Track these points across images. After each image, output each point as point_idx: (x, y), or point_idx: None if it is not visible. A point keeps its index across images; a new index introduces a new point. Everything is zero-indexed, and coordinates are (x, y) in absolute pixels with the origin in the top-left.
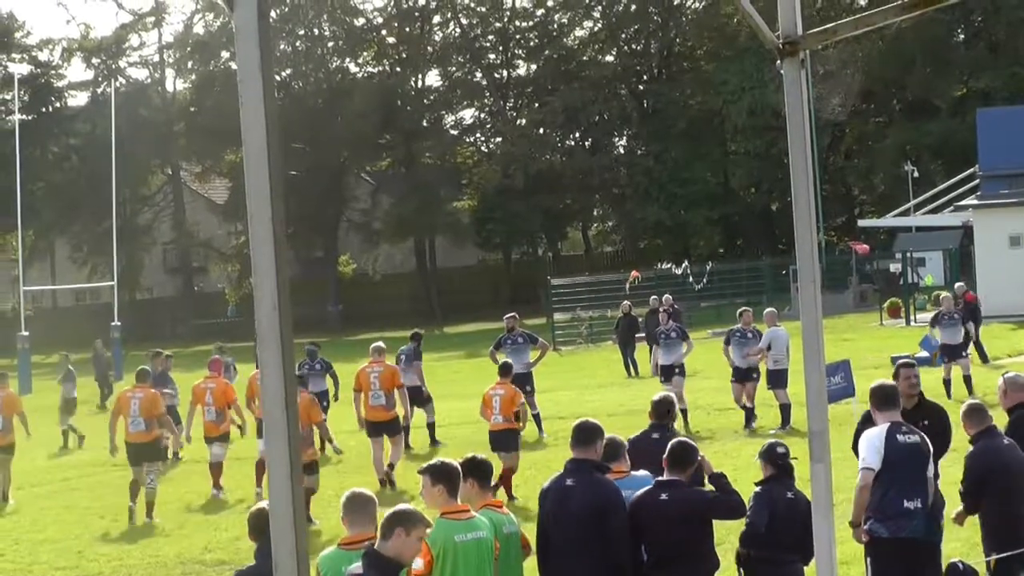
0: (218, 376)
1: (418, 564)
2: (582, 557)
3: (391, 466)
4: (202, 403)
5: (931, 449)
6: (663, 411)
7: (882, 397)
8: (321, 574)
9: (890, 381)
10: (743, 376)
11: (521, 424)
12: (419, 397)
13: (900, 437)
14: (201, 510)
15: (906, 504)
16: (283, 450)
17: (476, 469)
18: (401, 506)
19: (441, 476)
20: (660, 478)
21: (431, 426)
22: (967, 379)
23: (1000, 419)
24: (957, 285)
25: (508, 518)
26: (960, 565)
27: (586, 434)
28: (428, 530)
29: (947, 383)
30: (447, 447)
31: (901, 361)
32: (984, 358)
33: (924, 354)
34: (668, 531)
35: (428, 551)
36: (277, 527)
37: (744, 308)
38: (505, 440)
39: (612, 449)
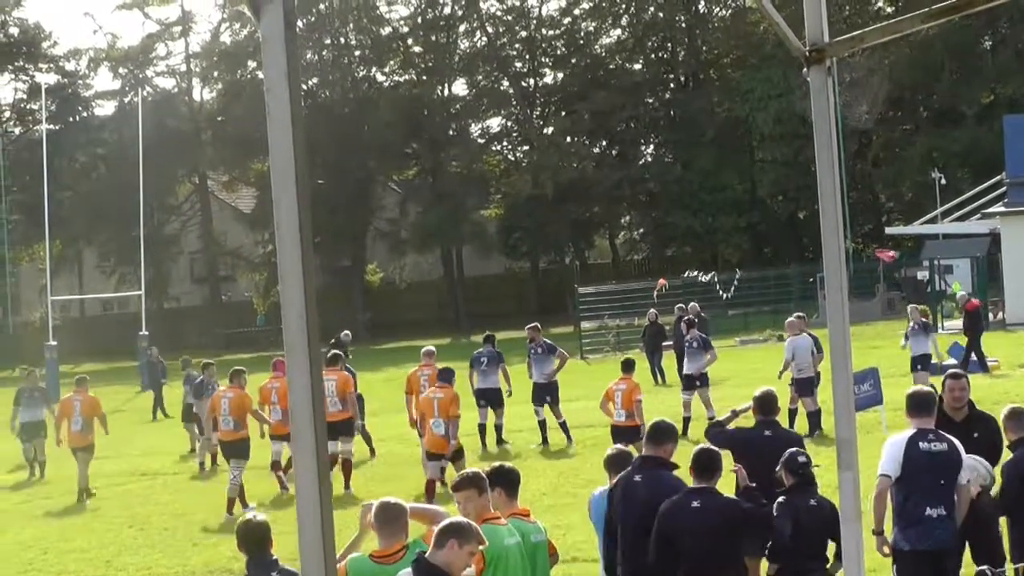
0: (283, 377)
1: (470, 572)
2: (646, 548)
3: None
4: (268, 403)
5: (962, 458)
6: (767, 406)
7: (914, 404)
8: None
9: (926, 388)
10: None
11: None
12: (497, 399)
13: (923, 444)
14: (226, 518)
15: (928, 511)
16: (311, 459)
17: (503, 478)
18: (457, 518)
19: (477, 482)
20: (692, 485)
21: (498, 428)
22: (816, 414)
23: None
24: (959, 295)
25: (535, 527)
26: (989, 572)
27: (659, 434)
28: (481, 547)
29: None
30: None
31: (948, 372)
32: (984, 367)
33: (952, 361)
34: (701, 539)
35: (481, 558)
36: (305, 537)
37: (797, 315)
38: (628, 435)
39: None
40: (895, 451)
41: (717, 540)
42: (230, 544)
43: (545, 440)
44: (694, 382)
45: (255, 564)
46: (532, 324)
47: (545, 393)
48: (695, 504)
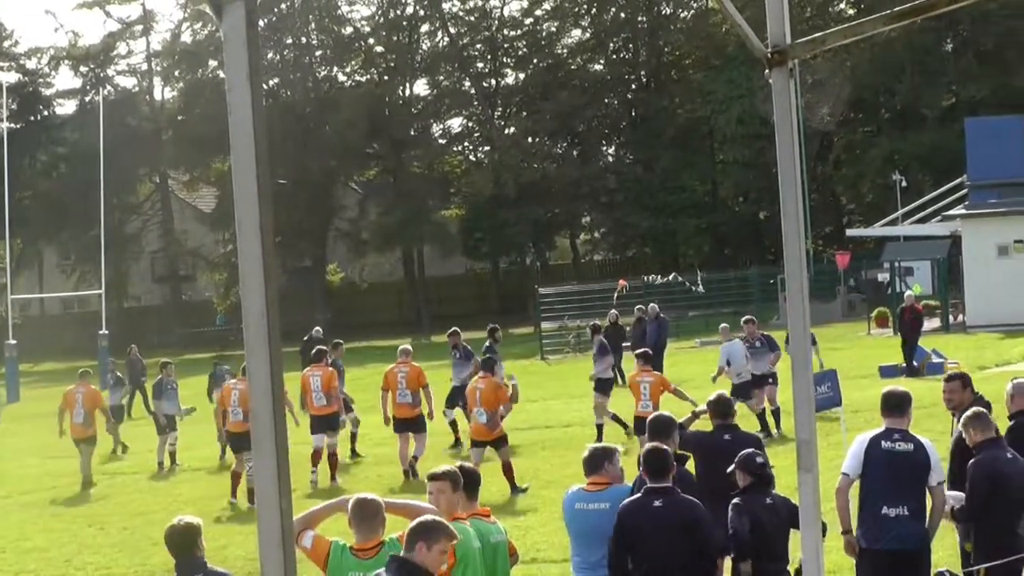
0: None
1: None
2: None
3: (415, 458)
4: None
5: (930, 460)
6: (724, 409)
7: (885, 403)
8: (329, 568)
9: (900, 388)
10: (759, 382)
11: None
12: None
13: (885, 444)
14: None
15: (885, 511)
16: (271, 460)
17: (465, 478)
18: (426, 518)
19: (453, 478)
20: (650, 485)
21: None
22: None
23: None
24: (907, 294)
25: (496, 527)
26: (948, 574)
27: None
28: (453, 542)
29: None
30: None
31: (947, 374)
32: (914, 370)
33: (937, 360)
34: (663, 540)
35: (452, 554)
36: (264, 537)
37: (748, 318)
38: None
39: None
40: (857, 449)
41: (678, 539)
42: None
43: (458, 442)
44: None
45: (182, 566)
46: (452, 330)
47: (459, 397)
48: (656, 504)
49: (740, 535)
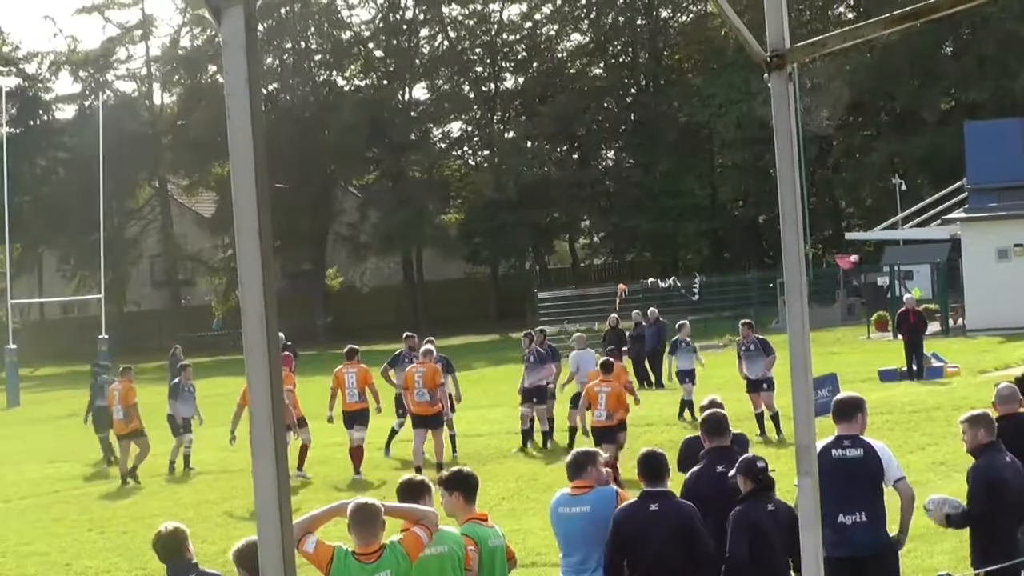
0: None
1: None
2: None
3: (439, 465)
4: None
5: (881, 463)
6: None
7: (836, 409)
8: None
9: (852, 394)
10: (755, 387)
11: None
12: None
13: (835, 452)
14: (187, 523)
15: (841, 518)
16: (271, 463)
17: (462, 482)
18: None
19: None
20: (646, 489)
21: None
22: (774, 418)
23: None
24: (907, 297)
25: (493, 531)
26: None
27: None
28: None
29: (759, 418)
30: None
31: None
32: (919, 374)
33: (937, 364)
34: (658, 543)
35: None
36: (264, 539)
37: (745, 321)
38: (609, 435)
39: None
40: None
41: (673, 543)
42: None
43: (388, 449)
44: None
45: (173, 569)
46: (408, 334)
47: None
48: (652, 508)
49: (737, 558)
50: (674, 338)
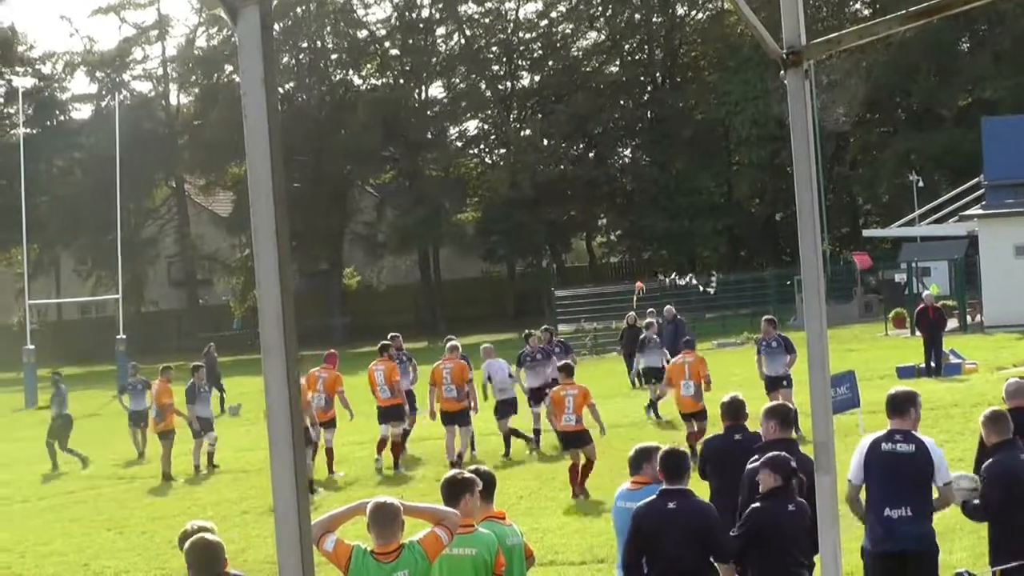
0: (332, 368)
1: None
2: None
3: (460, 455)
4: (313, 390)
5: (933, 460)
6: (735, 411)
7: (889, 403)
8: (350, 572)
9: (904, 389)
10: (774, 384)
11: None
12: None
13: (886, 445)
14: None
15: (888, 512)
16: (288, 462)
17: (480, 481)
18: (213, 540)
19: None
20: (665, 487)
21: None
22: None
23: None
24: (926, 294)
25: (511, 529)
26: (966, 575)
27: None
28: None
29: None
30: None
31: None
32: (938, 370)
33: (955, 361)
34: (674, 542)
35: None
36: (282, 538)
37: (768, 318)
38: (580, 438)
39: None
40: (858, 456)
41: (691, 542)
42: None
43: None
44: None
45: None
46: (393, 334)
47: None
48: (671, 506)
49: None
50: (641, 336)
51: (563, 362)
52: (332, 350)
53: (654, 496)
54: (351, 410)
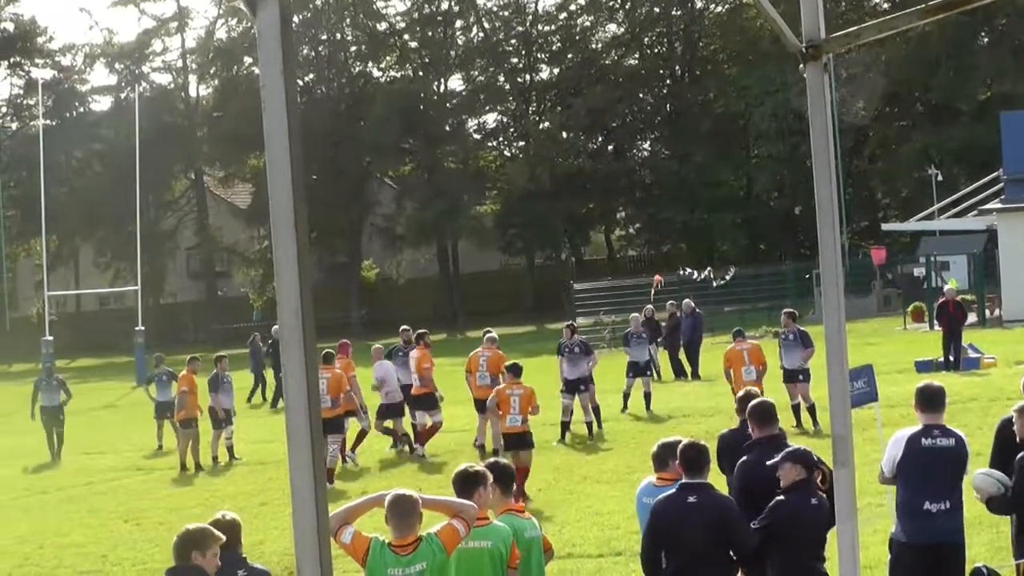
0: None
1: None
2: None
3: (486, 447)
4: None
5: (968, 453)
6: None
7: (922, 399)
8: (368, 564)
9: (934, 382)
10: (791, 377)
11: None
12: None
13: (926, 441)
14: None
15: (927, 506)
16: (306, 455)
17: (498, 474)
18: (191, 527)
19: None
20: (685, 480)
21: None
22: (810, 409)
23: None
24: (946, 288)
25: (530, 522)
26: (985, 570)
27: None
28: (218, 544)
29: (795, 409)
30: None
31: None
32: (956, 364)
33: (973, 355)
34: (693, 536)
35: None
36: (300, 531)
37: (788, 311)
38: (523, 440)
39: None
40: (894, 450)
41: (710, 536)
42: None
43: (408, 443)
44: (576, 387)
45: (225, 561)
46: (404, 328)
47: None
48: (691, 500)
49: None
50: (626, 330)
51: (511, 362)
52: (344, 340)
53: (673, 490)
54: (364, 405)
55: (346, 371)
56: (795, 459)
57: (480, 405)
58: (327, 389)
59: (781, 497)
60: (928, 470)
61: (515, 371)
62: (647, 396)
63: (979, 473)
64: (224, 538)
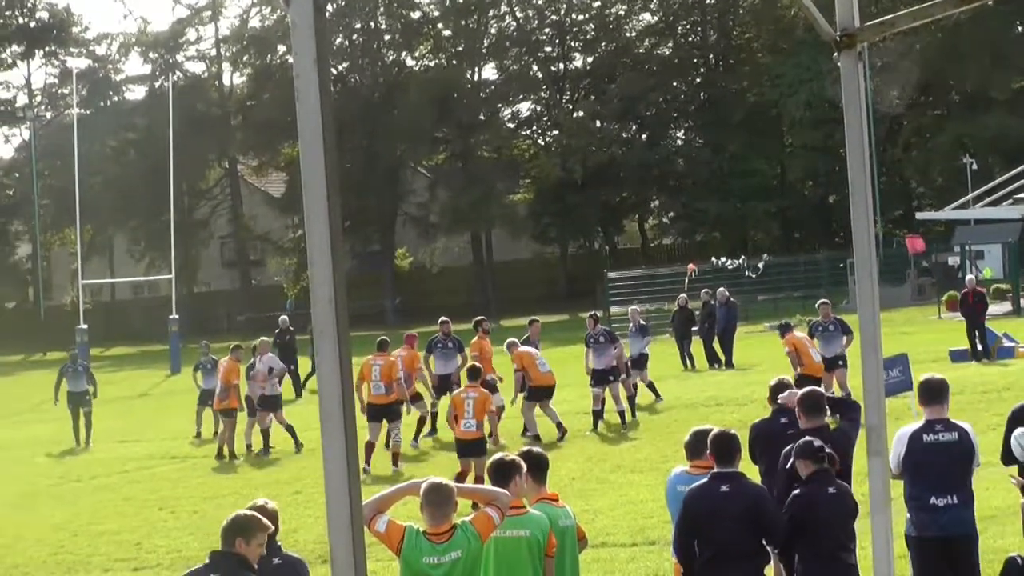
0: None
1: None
2: None
3: (536, 437)
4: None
5: (974, 445)
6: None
7: (925, 392)
8: (403, 552)
9: (938, 375)
10: (830, 365)
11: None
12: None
13: (928, 437)
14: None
15: (933, 501)
16: (340, 443)
17: (532, 462)
18: (240, 514)
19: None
20: (717, 470)
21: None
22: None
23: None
24: (968, 278)
25: (564, 511)
26: (1019, 560)
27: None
28: (265, 534)
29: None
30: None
31: None
32: (986, 353)
33: (1008, 344)
34: (728, 526)
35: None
36: (333, 515)
37: (823, 301)
38: (477, 447)
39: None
40: (898, 447)
41: (743, 526)
42: None
43: (434, 429)
44: (605, 376)
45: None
46: (443, 319)
47: (446, 385)
48: (723, 489)
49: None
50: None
51: (470, 364)
52: (412, 332)
53: (705, 479)
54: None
55: (412, 361)
56: (801, 455)
57: (543, 392)
58: (380, 375)
59: (797, 491)
60: (931, 466)
61: (473, 374)
62: (634, 388)
63: (1021, 431)
64: (272, 527)
